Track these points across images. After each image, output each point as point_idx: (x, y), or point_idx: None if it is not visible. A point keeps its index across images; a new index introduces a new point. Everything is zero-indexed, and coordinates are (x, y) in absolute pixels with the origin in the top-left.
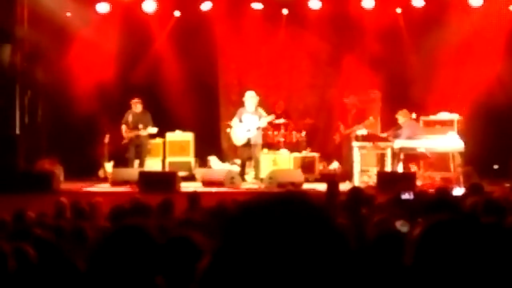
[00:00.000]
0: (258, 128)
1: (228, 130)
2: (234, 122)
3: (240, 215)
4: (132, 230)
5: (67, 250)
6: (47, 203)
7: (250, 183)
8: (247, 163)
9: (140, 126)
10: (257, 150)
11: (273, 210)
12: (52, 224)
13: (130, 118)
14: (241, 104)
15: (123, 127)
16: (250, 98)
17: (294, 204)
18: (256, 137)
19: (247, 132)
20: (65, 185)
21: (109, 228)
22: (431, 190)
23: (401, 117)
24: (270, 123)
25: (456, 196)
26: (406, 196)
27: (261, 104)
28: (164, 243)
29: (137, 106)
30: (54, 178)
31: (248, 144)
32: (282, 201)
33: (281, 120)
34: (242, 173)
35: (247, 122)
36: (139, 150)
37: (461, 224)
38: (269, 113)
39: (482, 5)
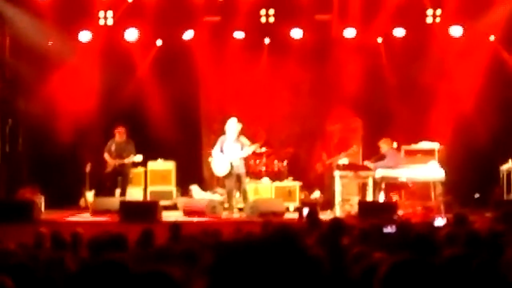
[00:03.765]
0: (240, 159)
1: (209, 159)
2: (215, 151)
3: (228, 256)
4: (108, 265)
5: (45, 279)
6: (27, 233)
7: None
8: (234, 192)
9: (124, 155)
10: (243, 180)
11: (262, 253)
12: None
13: (113, 147)
14: (223, 132)
15: (106, 155)
16: (232, 125)
17: (284, 248)
18: (239, 167)
19: (228, 163)
20: (46, 214)
21: (86, 260)
22: (414, 220)
23: (385, 145)
24: (252, 151)
25: (437, 229)
26: (388, 229)
27: (242, 132)
28: (140, 276)
29: (121, 135)
30: (34, 208)
31: (231, 174)
32: (272, 244)
33: (263, 149)
34: (230, 203)
35: (228, 152)
36: (121, 179)
37: (421, 264)
38: (251, 143)
39: (462, 35)
